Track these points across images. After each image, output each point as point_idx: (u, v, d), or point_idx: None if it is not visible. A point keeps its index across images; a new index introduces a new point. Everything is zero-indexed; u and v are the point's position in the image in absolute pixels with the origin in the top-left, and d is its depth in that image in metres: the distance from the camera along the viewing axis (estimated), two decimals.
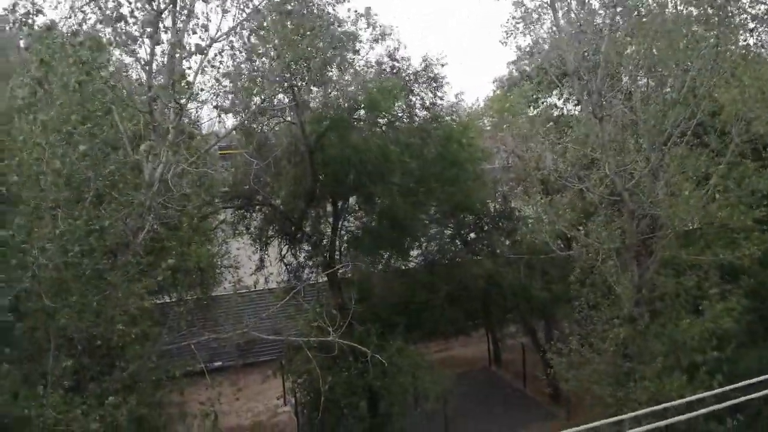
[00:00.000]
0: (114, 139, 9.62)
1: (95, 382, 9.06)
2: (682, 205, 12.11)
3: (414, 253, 18.67)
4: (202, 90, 10.04)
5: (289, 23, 11.96)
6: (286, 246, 17.10)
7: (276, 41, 11.92)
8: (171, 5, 9.61)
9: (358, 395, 14.99)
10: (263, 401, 21.45)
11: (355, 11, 14.18)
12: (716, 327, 11.93)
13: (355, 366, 14.57)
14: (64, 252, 8.23)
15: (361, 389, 14.91)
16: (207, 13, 10.07)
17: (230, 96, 13.24)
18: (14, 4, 9.15)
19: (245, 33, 12.11)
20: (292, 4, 12.51)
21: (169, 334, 11.08)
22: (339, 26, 13.83)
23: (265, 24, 11.67)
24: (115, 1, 9.43)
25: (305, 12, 12.86)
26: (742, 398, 6.39)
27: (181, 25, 9.81)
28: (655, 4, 12.79)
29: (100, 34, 9.55)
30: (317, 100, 14.69)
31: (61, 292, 8.48)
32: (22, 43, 10.67)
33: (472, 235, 19.80)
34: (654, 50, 12.51)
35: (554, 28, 13.82)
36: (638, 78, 13.34)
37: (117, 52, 10.07)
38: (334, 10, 13.77)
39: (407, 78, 15.35)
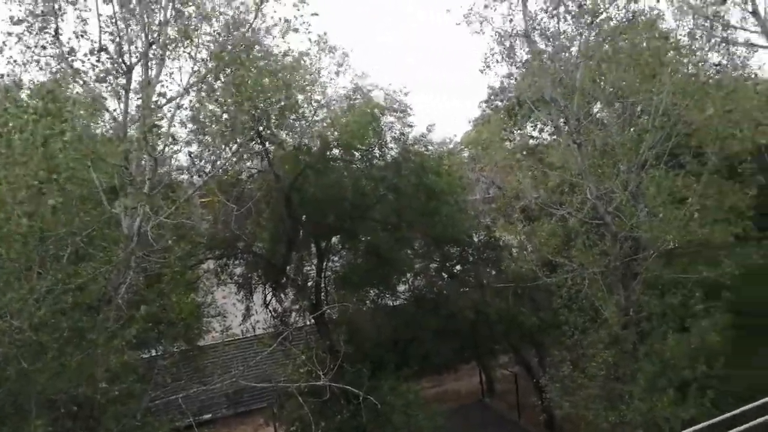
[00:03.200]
0: (89, 194, 9.56)
1: None
2: (662, 226, 12.22)
3: (401, 288, 18.56)
4: (174, 139, 10.00)
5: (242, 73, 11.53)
6: (271, 291, 16.91)
7: (234, 92, 11.61)
8: (142, 59, 9.70)
9: None
10: None
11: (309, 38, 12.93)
12: (703, 343, 11.95)
13: (348, 409, 14.29)
14: (40, 312, 8.06)
15: None
16: (180, 65, 10.13)
17: (202, 145, 13.20)
18: None
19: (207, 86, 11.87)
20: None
21: (155, 389, 10.83)
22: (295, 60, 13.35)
23: (222, 78, 11.26)
24: (86, 56, 9.50)
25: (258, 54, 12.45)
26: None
27: (153, 77, 9.88)
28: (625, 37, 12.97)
29: (69, 88, 9.60)
30: (288, 142, 14.60)
31: (39, 353, 8.28)
32: None
33: (458, 267, 19.75)
34: (626, 79, 12.72)
35: (528, 56, 13.95)
36: (612, 103, 13.54)
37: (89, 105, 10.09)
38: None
39: (374, 110, 15.26)
